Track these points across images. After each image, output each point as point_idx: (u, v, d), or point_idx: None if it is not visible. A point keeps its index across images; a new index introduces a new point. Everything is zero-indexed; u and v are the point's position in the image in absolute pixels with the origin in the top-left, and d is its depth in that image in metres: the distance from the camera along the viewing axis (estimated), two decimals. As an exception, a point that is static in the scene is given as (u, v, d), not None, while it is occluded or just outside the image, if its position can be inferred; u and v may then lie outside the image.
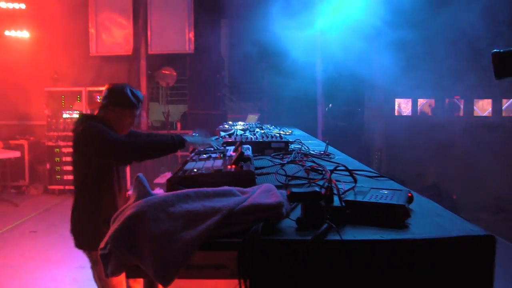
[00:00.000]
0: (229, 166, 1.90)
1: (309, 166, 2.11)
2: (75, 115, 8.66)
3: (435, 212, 1.46)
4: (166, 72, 9.25)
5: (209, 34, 8.75)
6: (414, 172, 8.52)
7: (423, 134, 8.98)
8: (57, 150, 8.56)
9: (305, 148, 2.94)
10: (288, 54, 7.72)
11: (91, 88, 8.67)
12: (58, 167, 8.55)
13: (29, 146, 8.79)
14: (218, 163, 2.05)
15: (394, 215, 1.32)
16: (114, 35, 9.08)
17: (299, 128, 5.63)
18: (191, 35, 8.93)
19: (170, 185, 1.82)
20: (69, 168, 8.60)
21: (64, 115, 8.65)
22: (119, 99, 2.99)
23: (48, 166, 8.60)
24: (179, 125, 9.37)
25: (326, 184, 1.41)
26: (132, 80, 9.06)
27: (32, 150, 8.89)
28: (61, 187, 8.55)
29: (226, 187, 1.45)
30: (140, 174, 1.43)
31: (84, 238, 2.92)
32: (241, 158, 1.99)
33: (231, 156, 2.24)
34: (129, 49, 9.05)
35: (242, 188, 1.48)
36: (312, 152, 2.81)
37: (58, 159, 8.57)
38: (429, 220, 1.36)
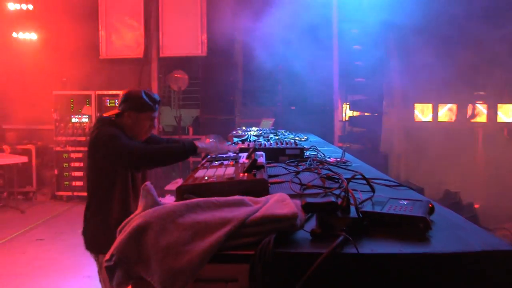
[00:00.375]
0: (241, 174, 1.90)
1: (325, 174, 2.10)
2: (84, 119, 8.73)
3: (457, 224, 1.43)
4: (178, 75, 9.30)
5: (222, 36, 8.78)
6: (434, 180, 8.43)
7: (444, 141, 8.89)
8: (65, 155, 8.63)
9: (320, 155, 2.92)
10: (303, 59, 7.72)
11: (100, 92, 8.72)
12: (67, 173, 8.62)
13: (36, 151, 8.86)
14: (230, 170, 2.04)
15: (415, 228, 1.30)
16: (125, 37, 9.14)
17: (315, 134, 5.61)
18: (204, 37, 8.96)
19: (180, 193, 1.82)
20: (78, 174, 8.66)
21: (73, 120, 8.72)
22: (135, 103, 3.05)
23: (56, 171, 8.67)
24: (191, 130, 9.40)
25: (343, 193, 1.39)
26: (143, 84, 9.13)
27: (39, 155, 8.97)
28: (69, 193, 8.62)
29: (237, 197, 1.44)
30: (148, 183, 1.42)
31: (94, 240, 3.00)
32: (254, 165, 1.98)
33: (244, 163, 2.24)
34: (140, 52, 9.10)
35: (254, 198, 1.47)
36: (328, 159, 2.80)
37: (66, 164, 8.64)
38: (451, 233, 1.33)
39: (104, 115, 3.13)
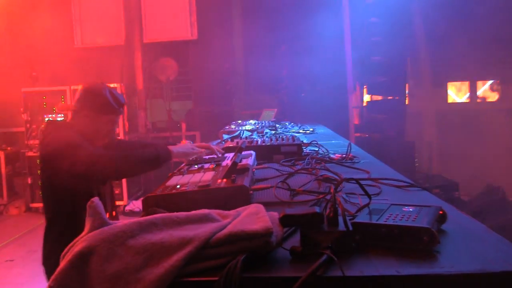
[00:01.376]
0: (219, 180, 1.86)
1: (322, 175, 2.04)
2: (59, 118, 8.71)
3: (475, 235, 1.35)
4: (166, 63, 9.26)
5: (215, 16, 8.72)
6: (471, 172, 8.33)
7: (484, 125, 8.77)
8: (39, 160, 8.63)
9: (323, 151, 2.88)
10: (312, 33, 7.65)
11: (77, 87, 8.67)
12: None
13: (6, 158, 8.87)
14: (208, 176, 2.01)
15: (418, 241, 1.23)
16: (103, 22, 9.11)
17: (327, 124, 5.56)
18: (194, 18, 8.90)
19: (146, 207, 1.79)
20: (54, 182, 8.67)
21: (47, 120, 8.71)
22: (96, 103, 2.95)
23: (29, 180, 8.67)
24: (183, 125, 9.38)
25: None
26: (126, 75, 9.10)
27: (10, 162, 8.97)
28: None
29: (202, 211, 1.39)
30: (95, 199, 1.36)
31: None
32: (233, 169, 1.94)
33: (227, 166, 2.19)
34: (120, 39, 9.06)
35: (223, 212, 1.42)
36: (331, 155, 2.75)
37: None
38: (467, 247, 1.25)
39: (52, 120, 3.07)
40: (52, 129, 2.91)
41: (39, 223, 7.96)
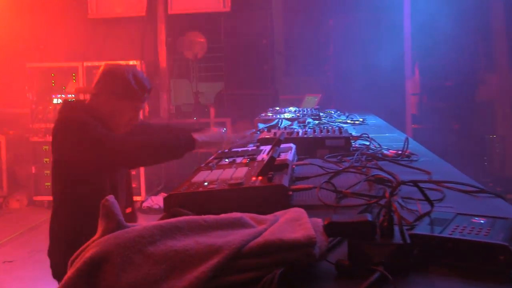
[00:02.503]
0: (253, 178, 1.87)
1: (374, 175, 2.02)
2: (72, 100, 8.84)
3: None
4: (194, 38, 9.27)
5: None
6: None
7: None
8: (45, 147, 8.75)
9: (375, 146, 2.88)
10: (364, 4, 7.59)
11: (90, 63, 8.79)
12: (48, 171, 8.76)
13: (7, 143, 9.01)
14: (241, 172, 2.02)
15: (492, 261, 1.20)
16: (121, -11, 9.18)
17: (380, 114, 5.53)
18: (227, -15, 8.91)
19: (168, 206, 1.81)
20: (62, 172, 8.80)
21: (55, 100, 8.84)
22: (118, 87, 3.05)
23: (33, 169, 8.82)
24: (212, 110, 9.41)
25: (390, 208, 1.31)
26: (147, 51, 9.15)
27: (11, 148, 9.11)
28: (51, 198, 8.75)
29: (234, 214, 1.39)
30: (110, 197, 1.37)
31: (63, 266, 2.98)
32: (271, 165, 1.93)
33: (262, 161, 2.20)
34: (142, 9, 9.10)
35: (257, 216, 1.42)
36: (385, 151, 2.74)
37: (47, 160, 8.77)
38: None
39: (73, 98, 3.17)
40: (66, 109, 3.04)
41: (43, 218, 8.08)
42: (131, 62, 8.04)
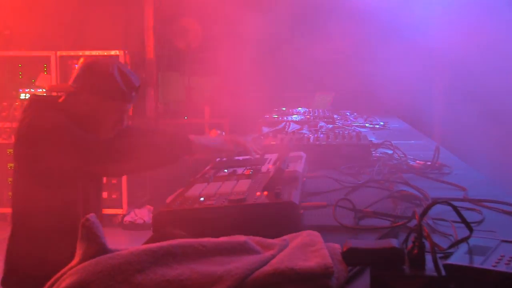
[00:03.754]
0: (258, 193, 1.86)
1: (399, 191, 2.02)
2: (41, 95, 8.82)
3: None
4: (186, 25, 9.30)
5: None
6: None
7: None
8: (10, 151, 8.75)
9: (399, 156, 2.87)
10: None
11: (65, 53, 8.78)
12: (12, 178, 8.74)
13: (-33, 146, 9.02)
14: (243, 186, 2.01)
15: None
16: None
17: (404, 116, 5.52)
18: (225, -37, 8.94)
19: (157, 226, 1.81)
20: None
21: (22, 96, 8.84)
22: (100, 85, 2.95)
23: (-4, 177, 8.81)
24: (207, 110, 9.41)
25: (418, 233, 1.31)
26: (131, 39, 9.14)
27: (-28, 152, 9.12)
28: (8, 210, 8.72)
29: (237, 238, 1.39)
30: (91, 215, 1.37)
31: None
32: (278, 177, 1.93)
33: (268, 172, 2.20)
34: (125, -11, 9.14)
35: (264, 239, 1.42)
36: (411, 162, 2.73)
37: (11, 165, 8.74)
38: None
39: (43, 93, 3.12)
40: (36, 108, 2.93)
41: (5, 236, 8.04)
42: (112, 52, 8.02)
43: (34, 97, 3.03)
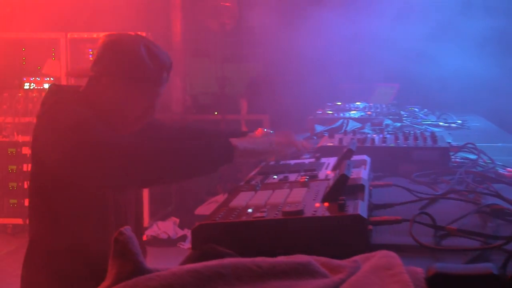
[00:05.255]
0: (317, 204, 1.86)
1: (489, 205, 2.00)
2: (47, 85, 8.85)
3: None
4: (221, 3, 9.32)
5: None
6: None
7: None
8: (11, 150, 8.82)
9: (485, 161, 2.85)
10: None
11: (77, 35, 8.83)
12: (14, 184, 8.83)
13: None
14: (297, 195, 2.02)
15: None
16: None
17: (487, 114, 5.47)
18: None
19: (198, 241, 1.80)
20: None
21: (26, 85, 8.90)
22: (126, 65, 2.97)
23: (-7, 181, 8.87)
24: (244, 103, 9.41)
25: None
26: (155, 19, 9.17)
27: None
28: (19, 220, 8.80)
29: (298, 258, 1.39)
30: (126, 228, 1.38)
31: None
32: (341, 186, 1.92)
33: (326, 180, 2.19)
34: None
35: (330, 260, 1.41)
36: (500, 170, 2.72)
37: (13, 168, 8.84)
38: None
39: (58, 84, 3.12)
40: (56, 100, 2.96)
41: (9, 249, 8.15)
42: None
43: (54, 88, 3.06)
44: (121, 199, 3.06)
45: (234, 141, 2.82)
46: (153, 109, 3.07)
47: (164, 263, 1.45)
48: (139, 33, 7.72)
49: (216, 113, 9.01)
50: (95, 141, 2.77)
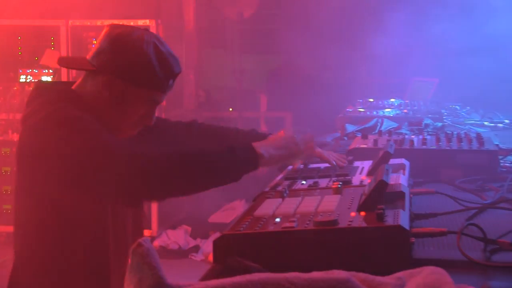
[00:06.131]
0: (352, 213, 1.87)
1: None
2: (46, 77, 8.85)
3: None
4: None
5: None
6: None
7: None
8: (5, 150, 8.84)
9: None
10: None
11: (79, 22, 8.85)
12: (8, 187, 8.84)
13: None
14: (330, 203, 2.02)
15: None
16: None
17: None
18: None
19: (220, 253, 1.80)
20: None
21: (22, 78, 8.93)
22: (130, 66, 2.88)
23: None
24: (263, 99, 9.41)
25: None
26: (166, 6, 9.17)
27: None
28: (11, 228, 8.79)
29: (335, 274, 1.39)
30: (145, 240, 1.38)
31: None
32: (379, 193, 1.92)
33: (361, 186, 2.19)
34: None
35: (372, 277, 1.42)
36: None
37: (7, 169, 8.86)
38: None
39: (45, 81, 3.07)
40: (44, 99, 2.87)
41: (1, 259, 8.16)
42: (140, 22, 8.01)
43: (39, 85, 3.01)
44: (117, 216, 2.99)
45: (257, 146, 2.73)
46: (151, 117, 2.99)
47: (174, 277, 1.43)
48: (147, 20, 7.81)
49: (231, 109, 8.97)
50: (94, 152, 2.65)
